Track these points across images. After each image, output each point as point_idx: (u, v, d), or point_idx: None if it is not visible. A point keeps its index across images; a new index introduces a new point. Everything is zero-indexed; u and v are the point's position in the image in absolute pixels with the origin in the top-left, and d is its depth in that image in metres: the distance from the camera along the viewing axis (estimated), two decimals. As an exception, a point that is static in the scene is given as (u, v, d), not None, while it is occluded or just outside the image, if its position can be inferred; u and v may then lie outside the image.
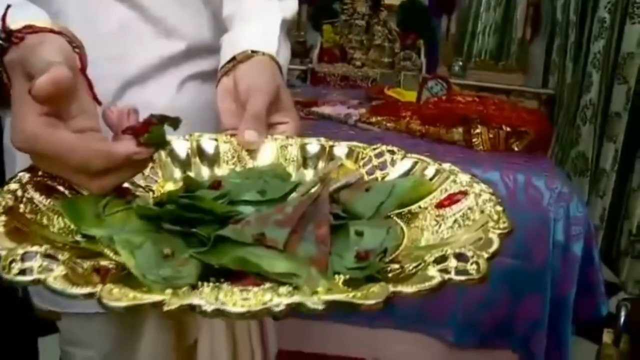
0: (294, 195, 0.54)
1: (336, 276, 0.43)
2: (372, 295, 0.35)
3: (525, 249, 1.65)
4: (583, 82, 3.12)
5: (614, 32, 2.94)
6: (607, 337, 0.91)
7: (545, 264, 1.66)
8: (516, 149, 1.87)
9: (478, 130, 1.83)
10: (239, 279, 0.41)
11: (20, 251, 0.38)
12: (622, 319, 0.92)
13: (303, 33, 3.85)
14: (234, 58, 0.75)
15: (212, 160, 0.63)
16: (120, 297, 0.35)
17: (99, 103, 0.54)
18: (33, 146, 0.48)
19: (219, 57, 0.83)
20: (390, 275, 0.42)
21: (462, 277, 0.38)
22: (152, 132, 0.51)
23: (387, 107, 2.15)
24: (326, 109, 2.15)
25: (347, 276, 0.42)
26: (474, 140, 1.84)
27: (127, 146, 0.50)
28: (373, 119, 2.04)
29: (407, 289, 0.36)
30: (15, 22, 0.52)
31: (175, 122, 0.56)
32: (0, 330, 1.34)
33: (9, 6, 0.53)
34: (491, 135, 1.83)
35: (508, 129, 1.85)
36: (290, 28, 0.90)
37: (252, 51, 0.75)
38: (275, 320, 1.68)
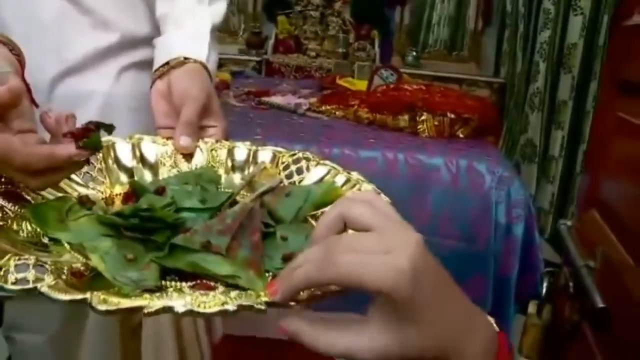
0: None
1: (267, 274, 0.51)
2: (301, 297, 0.44)
3: (469, 232, 1.70)
4: (530, 71, 3.21)
5: (558, 23, 3.03)
6: (531, 307, 0.96)
7: (488, 246, 1.72)
8: (461, 135, 1.93)
9: (423, 117, 1.88)
10: (192, 278, 0.50)
11: (12, 262, 0.43)
12: (544, 290, 0.98)
13: (258, 24, 3.87)
14: (167, 63, 0.80)
15: (151, 164, 0.70)
16: (107, 302, 0.41)
17: (37, 106, 0.58)
18: None
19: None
20: None
21: None
22: (90, 137, 0.56)
23: (337, 96, 2.18)
24: (277, 99, 2.18)
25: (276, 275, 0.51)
26: (419, 127, 1.89)
27: (68, 149, 0.54)
28: (323, 108, 2.07)
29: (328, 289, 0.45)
30: None
31: (109, 128, 0.61)
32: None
33: None
34: (436, 122, 1.88)
35: (452, 116, 1.90)
36: (221, 28, 0.95)
37: (185, 58, 0.80)
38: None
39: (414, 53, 3.91)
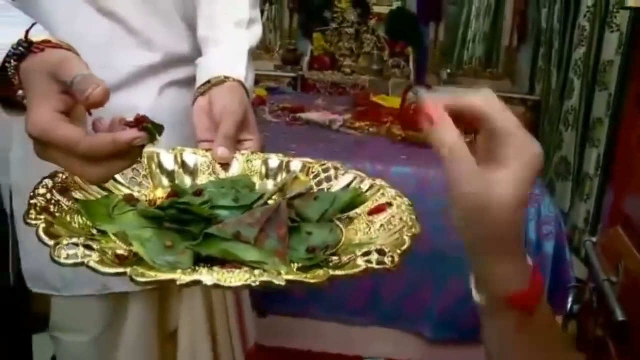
0: (260, 202, 0.68)
1: (292, 264, 0.57)
2: (318, 276, 0.48)
3: (499, 248, 1.71)
4: (565, 88, 3.20)
5: (594, 40, 3.02)
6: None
7: (519, 262, 1.72)
8: (493, 152, 1.94)
9: (455, 135, 1.90)
10: (222, 264, 0.55)
11: (65, 242, 0.50)
12: (569, 305, 0.99)
13: (294, 41, 3.94)
14: (209, 81, 0.87)
15: (192, 171, 0.77)
16: (145, 275, 0.47)
17: (90, 114, 0.62)
18: (45, 135, 0.56)
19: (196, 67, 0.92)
20: (331, 264, 0.56)
21: (380, 266, 0.51)
22: (147, 125, 0.61)
23: (371, 112, 2.22)
24: (312, 115, 2.23)
25: (300, 264, 0.57)
26: (451, 144, 1.91)
27: (130, 133, 0.58)
28: (357, 124, 2.11)
29: (342, 273, 0.50)
30: (35, 36, 0.61)
31: (160, 129, 0.65)
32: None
33: (35, 23, 0.63)
34: (467, 139, 1.90)
35: (484, 133, 1.91)
36: (258, 49, 1.00)
37: (225, 77, 0.87)
38: (260, 315, 1.75)
39: (449, 70, 3.93)
